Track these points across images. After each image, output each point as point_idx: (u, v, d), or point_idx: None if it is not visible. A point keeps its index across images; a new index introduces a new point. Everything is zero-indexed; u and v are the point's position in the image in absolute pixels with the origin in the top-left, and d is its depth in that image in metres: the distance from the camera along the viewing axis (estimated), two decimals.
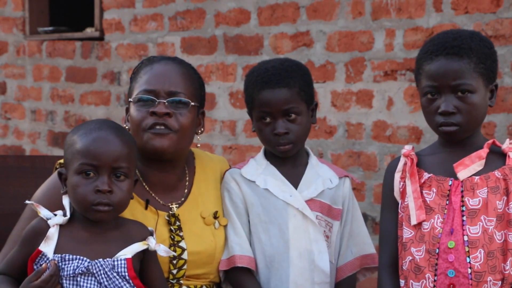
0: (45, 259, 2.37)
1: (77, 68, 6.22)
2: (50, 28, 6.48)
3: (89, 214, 2.40)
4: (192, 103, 2.69)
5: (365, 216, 4.55)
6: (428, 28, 4.49)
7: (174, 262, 2.64)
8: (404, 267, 2.48)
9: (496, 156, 2.47)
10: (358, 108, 4.79)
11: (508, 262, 2.39)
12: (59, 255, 2.36)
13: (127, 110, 2.74)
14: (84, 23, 6.49)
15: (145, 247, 2.44)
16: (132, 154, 2.46)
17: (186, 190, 2.77)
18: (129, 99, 2.71)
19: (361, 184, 4.77)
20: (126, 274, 2.37)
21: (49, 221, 2.40)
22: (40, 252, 2.37)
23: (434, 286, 2.41)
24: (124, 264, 2.38)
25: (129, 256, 2.40)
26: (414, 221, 2.46)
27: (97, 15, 6.06)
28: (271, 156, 2.82)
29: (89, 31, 6.20)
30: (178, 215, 2.69)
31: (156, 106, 2.64)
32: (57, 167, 2.66)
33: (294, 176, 2.79)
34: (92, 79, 6.12)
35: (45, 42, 6.43)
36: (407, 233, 2.48)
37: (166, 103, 2.64)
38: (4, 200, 3.03)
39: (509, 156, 2.46)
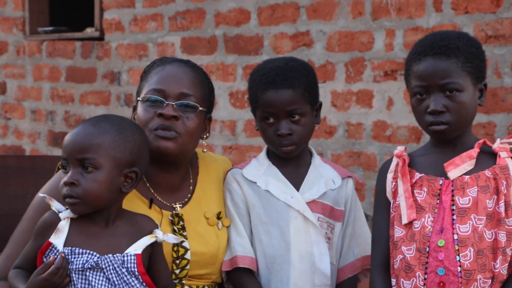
0: (55, 251, 2.37)
1: (77, 68, 6.22)
2: (50, 28, 6.48)
3: (69, 209, 2.42)
4: (201, 108, 2.68)
5: (365, 216, 4.55)
6: (428, 28, 4.49)
7: (177, 262, 2.64)
8: (395, 266, 2.50)
9: (487, 155, 2.49)
10: (358, 108, 4.79)
11: (498, 260, 2.40)
12: (69, 248, 2.37)
13: (134, 108, 2.73)
14: (84, 23, 6.49)
15: (153, 240, 2.45)
16: (105, 144, 2.41)
17: (189, 191, 2.77)
18: (138, 98, 2.70)
19: (361, 184, 4.77)
20: (136, 270, 2.38)
21: (60, 214, 2.42)
22: (50, 244, 2.38)
23: (425, 284, 2.43)
24: (134, 259, 2.38)
25: (139, 251, 2.40)
26: (405, 220, 2.47)
27: (97, 15, 6.07)
28: (273, 156, 2.81)
29: (89, 31, 6.20)
30: (182, 215, 2.69)
31: (164, 107, 2.63)
32: (59, 167, 2.66)
33: (296, 176, 2.78)
34: (92, 79, 6.12)
35: (45, 42, 6.44)
36: (398, 232, 2.50)
37: (175, 106, 2.63)
38: (4, 200, 3.03)
39: (499, 155, 2.47)
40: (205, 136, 2.76)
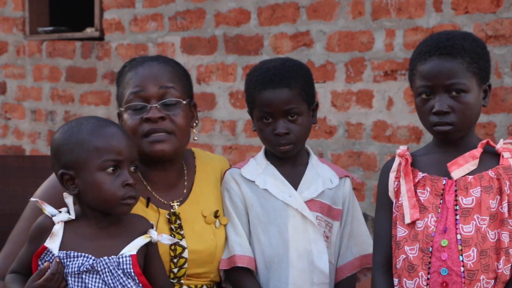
0: (51, 255, 2.37)
1: (77, 68, 6.22)
2: (50, 28, 6.48)
3: (115, 209, 2.40)
4: (184, 102, 2.68)
5: (365, 216, 4.54)
6: (428, 28, 4.49)
7: (175, 260, 2.64)
8: (397, 266, 2.49)
9: (490, 156, 2.48)
10: (358, 108, 4.79)
11: (501, 261, 2.40)
12: (64, 251, 2.37)
13: (119, 115, 2.73)
14: (84, 23, 6.49)
15: (148, 240, 2.44)
16: None
17: (186, 189, 2.77)
18: (120, 108, 2.70)
19: (361, 184, 4.77)
20: (132, 271, 2.37)
21: (54, 218, 2.41)
22: (45, 248, 2.37)
23: (427, 284, 2.42)
24: (129, 260, 2.38)
25: (134, 252, 2.40)
26: (408, 220, 2.47)
27: (97, 15, 6.07)
28: (271, 156, 2.81)
29: (89, 31, 6.20)
30: (179, 213, 2.69)
31: (148, 111, 2.62)
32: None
33: (294, 176, 2.78)
34: (92, 79, 6.12)
35: (45, 42, 6.44)
36: (401, 231, 2.49)
37: (158, 107, 2.63)
38: (4, 200, 3.03)
39: (502, 156, 2.47)
40: (194, 124, 2.76)
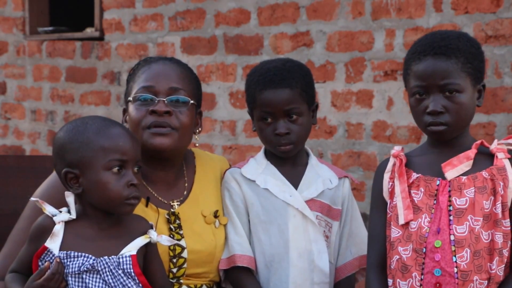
0: (51, 255, 2.37)
1: (77, 68, 6.22)
2: (50, 28, 6.48)
3: (119, 209, 2.41)
4: (192, 101, 2.69)
5: (365, 216, 4.55)
6: (428, 28, 4.49)
7: (174, 260, 2.64)
8: (391, 266, 2.49)
9: (484, 156, 2.48)
10: (358, 108, 4.79)
11: (494, 261, 2.40)
12: (64, 251, 2.37)
13: (124, 111, 2.74)
14: (84, 23, 6.49)
15: (147, 240, 2.45)
16: None
17: (186, 189, 2.78)
18: (128, 99, 2.71)
19: (361, 184, 4.77)
20: (132, 271, 2.38)
21: (54, 218, 2.41)
22: (46, 248, 2.37)
23: (421, 285, 2.42)
24: (129, 261, 2.38)
25: (134, 252, 2.40)
26: (401, 221, 2.47)
27: (97, 15, 6.07)
28: (271, 156, 2.82)
29: (89, 31, 6.20)
30: (178, 213, 2.70)
31: (156, 104, 2.64)
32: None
33: (294, 176, 2.79)
34: (92, 79, 6.12)
35: (45, 42, 6.44)
36: (394, 232, 2.50)
37: (166, 101, 2.65)
38: (4, 200, 3.03)
39: (496, 156, 2.47)
40: (197, 131, 2.78)
